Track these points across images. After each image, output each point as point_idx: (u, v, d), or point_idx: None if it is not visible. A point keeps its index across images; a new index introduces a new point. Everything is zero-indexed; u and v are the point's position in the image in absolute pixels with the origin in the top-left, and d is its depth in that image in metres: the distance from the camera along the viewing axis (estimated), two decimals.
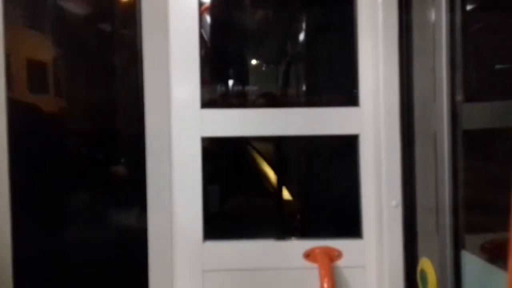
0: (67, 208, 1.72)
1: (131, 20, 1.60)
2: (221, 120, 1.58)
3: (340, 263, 1.55)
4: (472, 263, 1.24)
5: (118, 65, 1.78)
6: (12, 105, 1.56)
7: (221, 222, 1.73)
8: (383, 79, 1.52)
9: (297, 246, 1.56)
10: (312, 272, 1.52)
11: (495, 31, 1.34)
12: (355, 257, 1.56)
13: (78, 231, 1.70)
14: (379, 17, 1.51)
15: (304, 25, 1.82)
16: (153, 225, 1.56)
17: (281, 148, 1.83)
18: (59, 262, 1.70)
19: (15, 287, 1.54)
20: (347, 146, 1.61)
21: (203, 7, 1.65)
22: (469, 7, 1.35)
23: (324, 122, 1.58)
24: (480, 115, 1.30)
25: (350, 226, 1.60)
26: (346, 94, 1.63)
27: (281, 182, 1.86)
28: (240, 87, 1.84)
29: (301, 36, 1.83)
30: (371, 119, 1.56)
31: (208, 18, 1.76)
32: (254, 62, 1.86)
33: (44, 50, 1.73)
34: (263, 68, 1.88)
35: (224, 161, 1.80)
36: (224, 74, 1.84)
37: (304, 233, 1.66)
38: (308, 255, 1.55)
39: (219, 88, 1.81)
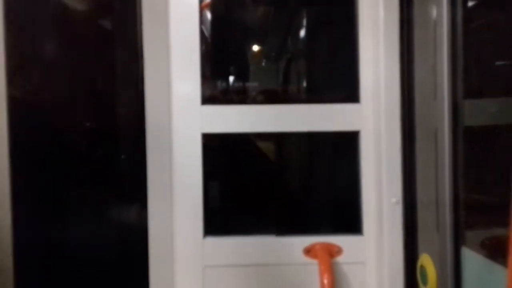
0: (67, 204, 1.72)
1: (131, 16, 1.60)
2: (222, 116, 1.58)
3: (340, 259, 1.56)
4: (472, 259, 1.24)
5: (118, 61, 1.78)
6: (13, 100, 1.56)
7: (221, 218, 1.73)
8: (384, 75, 1.52)
9: (297, 242, 1.57)
10: (312, 268, 1.53)
11: (497, 27, 1.33)
12: (355, 253, 1.57)
13: (78, 227, 1.70)
14: (380, 13, 1.51)
15: (304, 21, 1.81)
16: (154, 221, 1.57)
17: (281, 144, 1.83)
18: (59, 257, 1.70)
19: (15, 282, 1.55)
20: (347, 142, 1.62)
21: (203, 3, 1.65)
22: (470, 3, 1.35)
23: (324, 119, 1.58)
24: (481, 111, 1.30)
25: (350, 222, 1.60)
26: (347, 91, 1.63)
27: (281, 178, 1.86)
28: (240, 84, 1.84)
29: (302, 32, 1.83)
30: (371, 116, 1.56)
31: (208, 14, 1.76)
32: (254, 58, 1.86)
33: (44, 46, 1.73)
34: (264, 65, 1.87)
35: (224, 157, 1.80)
36: (224, 70, 1.84)
37: (304, 229, 1.66)
38: (308, 251, 1.56)
39: (220, 85, 1.81)
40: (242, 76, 1.83)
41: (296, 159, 1.87)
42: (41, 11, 1.69)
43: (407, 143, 1.50)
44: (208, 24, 1.76)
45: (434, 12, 1.35)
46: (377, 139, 1.55)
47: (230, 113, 1.59)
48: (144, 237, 1.56)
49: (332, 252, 1.55)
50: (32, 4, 1.67)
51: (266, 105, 1.64)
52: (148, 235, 1.56)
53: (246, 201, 1.77)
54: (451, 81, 1.30)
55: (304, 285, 1.55)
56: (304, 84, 1.85)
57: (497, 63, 1.32)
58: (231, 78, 1.84)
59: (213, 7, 1.76)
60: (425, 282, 1.37)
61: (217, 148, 1.74)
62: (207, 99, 1.60)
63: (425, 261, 1.38)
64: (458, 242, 1.27)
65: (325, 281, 1.46)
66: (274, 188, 1.81)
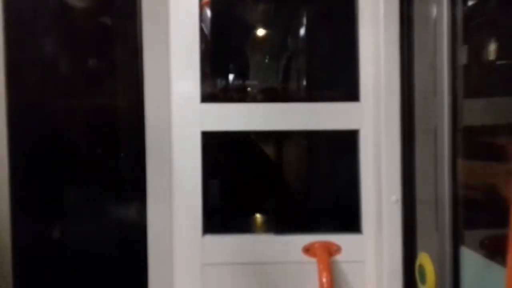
0: (66, 202, 1.72)
1: (131, 14, 1.59)
2: (221, 114, 1.58)
3: (339, 257, 1.56)
4: (471, 258, 1.24)
5: (118, 59, 1.78)
6: (12, 98, 1.56)
7: (220, 216, 1.73)
8: (384, 74, 1.51)
9: (296, 241, 1.57)
10: (311, 266, 1.53)
11: (497, 25, 1.33)
12: (354, 252, 1.57)
13: (77, 226, 1.71)
14: (380, 12, 1.51)
15: (304, 19, 1.81)
16: (153, 219, 1.57)
17: (281, 142, 1.83)
18: (58, 256, 1.70)
19: (14, 281, 1.55)
20: (347, 141, 1.61)
21: (203, 1, 1.64)
22: (470, 1, 1.34)
23: (324, 117, 1.58)
24: (481, 111, 1.30)
25: (350, 221, 1.60)
26: (347, 89, 1.63)
27: (280, 176, 1.86)
28: (240, 82, 1.83)
29: (302, 30, 1.83)
30: (371, 114, 1.56)
31: (208, 12, 1.75)
32: (254, 56, 1.86)
33: (43, 44, 1.73)
34: (264, 63, 1.87)
35: (223, 155, 1.80)
36: (224, 68, 1.83)
37: (303, 227, 1.66)
38: (307, 250, 1.56)
39: (220, 83, 1.80)
40: (242, 74, 1.83)
41: (295, 157, 1.87)
42: (41, 9, 1.69)
43: (407, 142, 1.49)
44: (208, 22, 1.75)
45: (434, 11, 1.34)
46: (376, 137, 1.54)
47: (230, 111, 1.59)
48: (143, 235, 1.56)
49: (331, 250, 1.55)
50: (31, 3, 1.67)
51: (266, 103, 1.64)
52: (147, 233, 1.56)
53: (245, 199, 1.77)
54: (451, 80, 1.30)
55: (303, 283, 1.55)
56: (304, 82, 1.85)
57: (498, 62, 1.31)
58: (231, 76, 1.84)
59: (213, 5, 1.75)
60: (423, 281, 1.37)
61: (216, 146, 1.74)
62: (206, 97, 1.60)
63: (424, 260, 1.38)
64: (457, 241, 1.27)
65: (324, 280, 1.46)
66: (273, 187, 1.81)
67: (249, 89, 1.81)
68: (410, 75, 1.48)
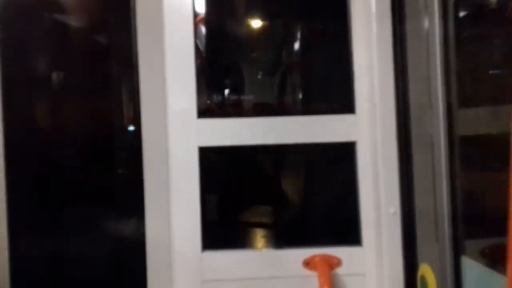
0: (64, 219, 1.70)
1: (126, 31, 1.60)
2: (218, 129, 1.58)
3: (340, 271, 1.55)
4: (472, 268, 1.24)
5: (114, 76, 1.78)
6: (8, 117, 1.55)
7: (220, 232, 1.72)
8: (379, 86, 1.53)
9: (296, 255, 1.56)
10: (312, 280, 1.51)
11: (488, 37, 1.35)
12: (355, 264, 1.56)
13: (76, 242, 1.69)
14: (373, 26, 1.53)
15: (299, 35, 1.83)
16: (152, 235, 1.55)
17: (278, 156, 1.83)
18: (56, 273, 1.68)
19: None
20: (344, 153, 1.62)
21: (198, 18, 1.66)
22: (461, 15, 1.37)
23: (320, 130, 1.58)
24: (476, 120, 1.31)
25: (349, 234, 1.60)
26: (342, 102, 1.64)
27: (279, 190, 1.86)
28: (236, 97, 1.84)
29: (297, 45, 1.85)
30: (367, 126, 1.57)
31: (203, 29, 1.77)
32: (250, 71, 1.87)
33: (39, 62, 1.73)
34: (259, 77, 1.88)
35: (221, 170, 1.80)
36: (220, 83, 1.85)
37: (303, 241, 1.66)
38: (307, 263, 1.55)
39: (215, 98, 1.81)
40: (237, 89, 1.84)
41: (293, 171, 1.87)
42: (36, 29, 1.70)
43: (404, 153, 1.50)
44: (203, 38, 1.77)
45: (426, 24, 1.36)
46: (373, 149, 1.55)
47: (226, 126, 1.59)
48: (142, 252, 1.54)
49: (332, 264, 1.55)
50: (27, 23, 1.67)
51: (262, 117, 1.64)
52: (146, 250, 1.55)
53: (245, 214, 1.77)
54: (445, 91, 1.31)
55: None
56: (300, 96, 1.86)
57: (491, 72, 1.33)
58: (227, 91, 1.85)
59: (207, 22, 1.77)
60: None
61: (214, 161, 1.74)
62: (203, 113, 1.60)
63: (425, 271, 1.38)
64: (457, 251, 1.27)
65: None
66: (272, 201, 1.81)
67: (245, 103, 1.82)
68: (405, 87, 1.50)
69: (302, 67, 1.87)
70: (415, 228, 1.47)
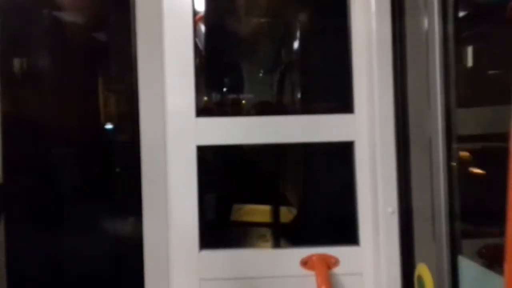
0: (62, 218, 1.70)
1: (125, 29, 1.60)
2: (217, 128, 1.58)
3: (337, 270, 1.55)
4: (469, 268, 1.24)
5: (112, 74, 1.78)
6: (6, 114, 1.55)
7: (217, 231, 1.72)
8: (378, 86, 1.53)
9: (294, 254, 1.56)
10: (309, 279, 1.51)
11: (487, 37, 1.35)
12: (352, 264, 1.56)
13: (73, 242, 1.69)
14: (373, 25, 1.53)
15: (298, 33, 1.83)
16: (149, 234, 1.55)
17: (277, 155, 1.83)
18: (53, 273, 1.68)
19: None
20: (342, 153, 1.62)
21: (197, 17, 1.66)
22: (461, 15, 1.37)
23: (319, 129, 1.58)
24: (474, 120, 1.31)
25: (347, 233, 1.60)
26: (341, 101, 1.64)
27: (277, 189, 1.86)
28: (235, 96, 1.84)
29: (296, 44, 1.85)
30: (366, 126, 1.57)
31: (202, 27, 1.77)
32: (249, 70, 1.87)
33: (37, 60, 1.73)
34: (258, 76, 1.88)
35: (220, 169, 1.80)
36: (219, 82, 1.84)
37: (301, 240, 1.66)
38: (305, 263, 1.55)
39: (214, 97, 1.81)
40: (236, 88, 1.84)
41: (291, 170, 1.87)
42: (35, 25, 1.70)
43: (402, 153, 1.50)
44: (202, 37, 1.77)
45: (425, 23, 1.36)
46: (371, 149, 1.55)
47: (225, 125, 1.59)
48: (140, 251, 1.54)
49: (329, 263, 1.55)
50: (26, 19, 1.67)
51: (260, 116, 1.64)
52: (144, 248, 1.55)
53: (243, 213, 1.77)
54: (444, 91, 1.31)
55: None
56: (298, 95, 1.86)
57: (490, 72, 1.33)
58: (226, 90, 1.85)
59: (207, 20, 1.77)
60: None
61: (212, 160, 1.74)
62: (201, 112, 1.60)
63: (422, 270, 1.38)
64: (454, 251, 1.27)
65: None
66: (270, 200, 1.81)
67: (243, 102, 1.82)
68: (404, 87, 1.50)
69: (301, 66, 1.87)
70: (413, 227, 1.47)
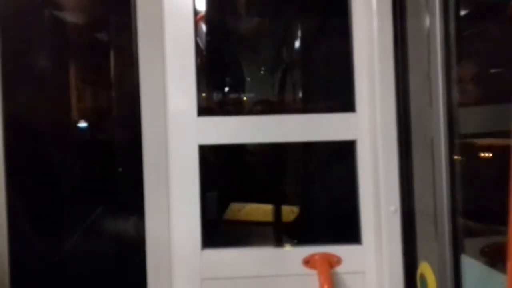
0: (64, 218, 1.71)
1: (127, 29, 1.60)
2: (218, 127, 1.58)
3: (339, 269, 1.55)
4: (471, 266, 1.24)
5: (114, 74, 1.78)
6: (8, 115, 1.55)
7: (219, 230, 1.73)
8: (379, 84, 1.53)
9: (296, 253, 1.56)
10: (311, 278, 1.52)
11: (489, 36, 1.35)
12: (354, 262, 1.56)
13: (76, 241, 1.69)
14: (374, 24, 1.53)
15: (299, 33, 1.83)
16: (151, 233, 1.55)
17: (279, 154, 1.83)
18: (57, 272, 1.68)
19: None
20: (344, 152, 1.62)
21: (198, 16, 1.66)
22: (462, 13, 1.37)
23: (321, 128, 1.58)
24: (477, 119, 1.31)
25: (349, 232, 1.60)
26: (342, 100, 1.64)
27: (279, 189, 1.86)
28: (236, 95, 1.84)
29: (297, 43, 1.85)
30: (367, 125, 1.57)
31: (203, 27, 1.77)
32: (250, 69, 1.87)
33: (39, 60, 1.73)
34: (260, 75, 1.88)
35: (222, 168, 1.80)
36: (220, 82, 1.85)
37: (303, 239, 1.66)
38: (307, 262, 1.55)
39: (216, 96, 1.81)
40: (238, 87, 1.84)
41: (293, 169, 1.87)
42: (36, 25, 1.70)
43: (404, 152, 1.50)
44: (203, 36, 1.77)
45: (427, 22, 1.36)
46: (373, 148, 1.55)
47: (227, 124, 1.59)
48: (142, 250, 1.55)
49: (332, 262, 1.55)
50: (27, 19, 1.67)
51: (262, 115, 1.64)
52: (146, 248, 1.55)
53: (244, 212, 1.77)
54: (445, 89, 1.31)
55: None
56: (300, 94, 1.86)
57: (492, 71, 1.33)
58: (227, 89, 1.85)
59: (208, 19, 1.77)
60: None
61: (214, 159, 1.74)
62: (203, 111, 1.60)
63: (425, 269, 1.38)
64: (457, 249, 1.27)
65: None
66: (272, 199, 1.81)
67: (245, 101, 1.82)
68: (405, 86, 1.50)
69: (302, 65, 1.87)
70: (415, 226, 1.47)
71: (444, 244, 1.28)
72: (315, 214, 1.82)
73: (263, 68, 1.88)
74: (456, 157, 1.29)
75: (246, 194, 1.79)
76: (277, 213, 1.83)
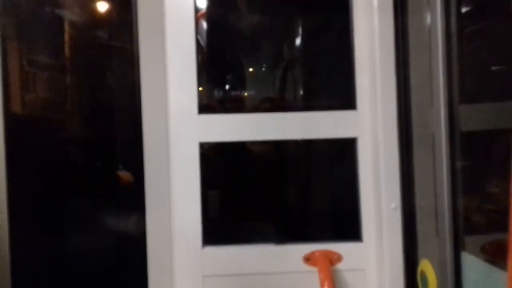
0: (65, 215, 1.71)
1: (127, 27, 1.60)
2: (219, 125, 1.58)
3: (340, 266, 1.56)
4: (472, 264, 1.24)
5: (115, 72, 1.78)
6: (9, 112, 1.55)
7: (220, 227, 1.73)
8: (380, 82, 1.53)
9: (296, 250, 1.56)
10: (312, 275, 1.52)
11: (490, 33, 1.35)
12: (355, 260, 1.56)
13: (77, 238, 1.69)
14: (375, 21, 1.52)
15: (300, 30, 1.83)
16: (152, 231, 1.56)
17: (279, 152, 1.83)
18: (58, 269, 1.69)
19: None
20: (345, 149, 1.62)
21: (199, 13, 1.66)
22: (464, 10, 1.36)
23: (322, 126, 1.58)
24: (478, 116, 1.31)
25: (350, 229, 1.60)
26: (343, 98, 1.64)
27: (280, 186, 1.86)
28: (237, 92, 1.84)
29: (298, 41, 1.84)
30: (368, 122, 1.57)
31: (204, 24, 1.76)
32: (251, 67, 1.87)
33: (40, 58, 1.73)
34: (260, 73, 1.88)
35: (222, 166, 1.80)
36: (221, 79, 1.84)
37: (303, 236, 1.66)
38: (308, 259, 1.55)
39: (217, 94, 1.81)
40: (238, 85, 1.84)
41: (294, 166, 1.87)
42: (37, 24, 1.70)
43: (405, 149, 1.50)
44: (204, 34, 1.76)
45: (428, 19, 1.36)
46: (374, 145, 1.55)
47: (227, 122, 1.59)
48: (143, 247, 1.55)
49: (332, 259, 1.55)
50: (28, 18, 1.67)
51: (263, 113, 1.64)
52: (147, 245, 1.55)
53: (245, 209, 1.77)
54: (446, 87, 1.31)
55: None
56: (301, 91, 1.86)
57: (493, 67, 1.33)
58: (228, 87, 1.85)
59: (208, 17, 1.77)
60: (426, 287, 1.37)
61: (215, 157, 1.74)
62: (204, 108, 1.60)
63: (425, 266, 1.38)
64: (458, 247, 1.27)
65: None
66: (273, 196, 1.81)
67: (246, 98, 1.82)
68: (406, 83, 1.49)
69: (303, 62, 1.87)
70: (416, 223, 1.47)
71: (445, 241, 1.28)
72: (315, 212, 1.82)
73: (264, 66, 1.88)
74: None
75: (247, 192, 1.79)
76: (278, 210, 1.83)
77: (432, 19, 1.33)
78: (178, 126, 1.56)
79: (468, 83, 1.36)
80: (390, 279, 1.51)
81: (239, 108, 1.78)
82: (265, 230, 1.72)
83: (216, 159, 1.76)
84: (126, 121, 1.74)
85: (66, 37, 1.74)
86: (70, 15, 1.76)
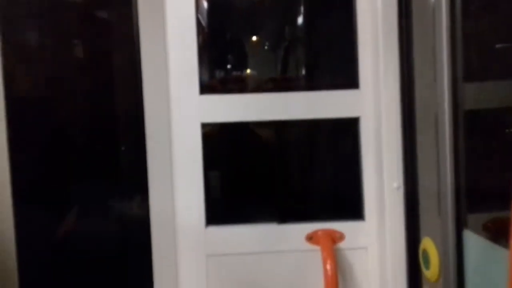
0: (68, 197, 1.72)
1: (127, 6, 1.58)
2: (221, 105, 1.58)
3: (342, 245, 1.57)
4: (474, 242, 1.25)
5: (115, 52, 1.77)
6: (10, 95, 1.55)
7: (223, 207, 1.74)
8: (383, 61, 1.51)
9: (299, 229, 1.58)
10: (314, 254, 1.53)
11: (496, 9, 1.33)
12: (357, 238, 1.58)
13: (80, 220, 1.71)
14: None
15: (302, 8, 1.80)
16: (156, 211, 1.57)
17: (281, 132, 1.83)
18: (62, 251, 1.70)
19: (19, 278, 1.55)
20: (348, 128, 1.62)
21: None
22: None
23: (324, 106, 1.58)
24: (482, 95, 1.30)
25: (352, 208, 1.61)
26: (346, 77, 1.63)
27: (282, 165, 1.86)
28: (239, 72, 1.83)
29: (300, 19, 1.82)
30: (371, 102, 1.56)
31: (205, 3, 1.74)
32: (252, 46, 1.85)
33: (39, 39, 1.72)
34: (262, 52, 1.86)
35: (224, 146, 1.80)
36: (222, 59, 1.83)
37: (306, 216, 1.67)
38: (310, 238, 1.57)
39: (218, 74, 1.80)
40: (240, 65, 1.82)
41: (296, 146, 1.87)
42: (36, 5, 1.68)
43: (408, 128, 1.50)
44: (205, 13, 1.74)
45: None
46: (377, 124, 1.55)
47: (229, 102, 1.58)
48: (147, 228, 1.56)
49: (334, 238, 1.56)
50: None
51: (265, 93, 1.63)
52: (151, 226, 1.56)
53: (248, 189, 1.78)
54: (450, 65, 1.29)
55: (307, 271, 1.56)
56: (303, 71, 1.85)
57: (498, 45, 1.31)
58: (230, 67, 1.83)
59: None
60: (427, 266, 1.38)
61: (217, 137, 1.74)
62: (205, 89, 1.59)
63: (427, 244, 1.39)
64: (460, 225, 1.27)
65: (328, 267, 1.47)
66: (275, 176, 1.81)
67: (248, 78, 1.80)
68: (410, 61, 1.48)
69: (305, 42, 1.85)
70: (418, 202, 1.47)
71: (447, 220, 1.28)
72: (318, 191, 1.83)
73: (266, 45, 1.86)
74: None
75: (249, 172, 1.79)
76: (281, 189, 1.83)
77: None
78: (179, 107, 1.56)
79: (472, 61, 1.35)
80: (392, 258, 1.53)
81: (241, 88, 1.76)
82: (267, 210, 1.72)
83: (218, 140, 1.76)
84: (127, 102, 1.73)
85: (65, 15, 1.72)
86: None
